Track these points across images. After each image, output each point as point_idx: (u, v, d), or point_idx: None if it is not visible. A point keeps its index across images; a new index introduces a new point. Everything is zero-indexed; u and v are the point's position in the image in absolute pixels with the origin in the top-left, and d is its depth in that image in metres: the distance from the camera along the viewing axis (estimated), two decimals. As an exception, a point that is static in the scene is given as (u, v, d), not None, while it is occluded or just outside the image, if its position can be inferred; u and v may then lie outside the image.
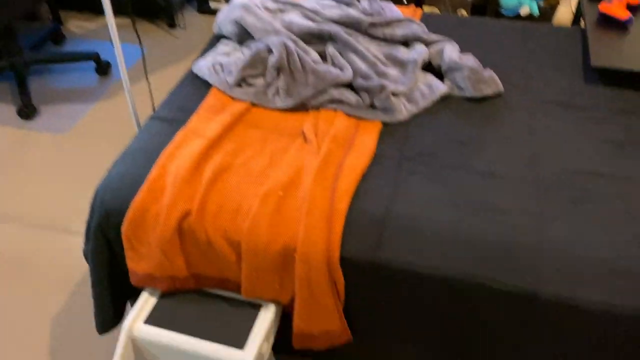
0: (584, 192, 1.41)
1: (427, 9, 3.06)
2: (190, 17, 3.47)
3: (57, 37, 3.20)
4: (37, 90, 2.86)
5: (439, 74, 1.84)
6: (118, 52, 1.86)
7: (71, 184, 2.32)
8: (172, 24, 3.36)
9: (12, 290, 1.91)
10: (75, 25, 3.38)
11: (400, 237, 1.30)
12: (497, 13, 3.04)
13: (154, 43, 3.22)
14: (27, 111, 2.66)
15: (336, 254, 1.29)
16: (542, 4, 2.98)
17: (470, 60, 1.79)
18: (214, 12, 3.48)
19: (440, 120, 1.66)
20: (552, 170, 1.48)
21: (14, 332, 1.78)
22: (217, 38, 2.02)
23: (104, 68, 2.95)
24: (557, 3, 3.02)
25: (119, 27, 3.27)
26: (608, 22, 2.07)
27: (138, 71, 2.99)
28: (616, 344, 1.24)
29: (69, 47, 3.19)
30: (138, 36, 1.94)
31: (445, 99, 1.74)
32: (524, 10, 2.93)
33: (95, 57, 2.91)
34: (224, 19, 1.95)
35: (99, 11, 3.45)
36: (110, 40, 2.71)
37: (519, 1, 2.92)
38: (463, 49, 1.95)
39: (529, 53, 1.98)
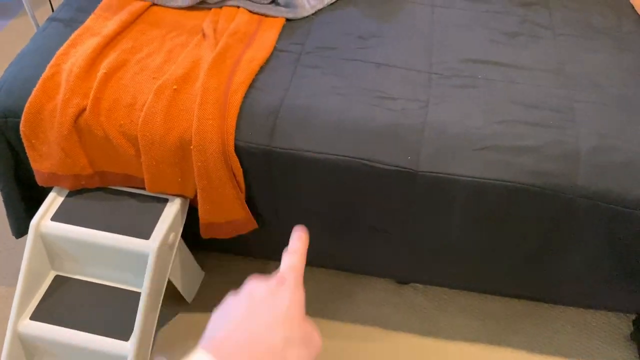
0: (471, 79, 1.47)
1: None
2: None
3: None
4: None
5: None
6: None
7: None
8: None
9: None
10: None
11: (292, 125, 1.35)
12: None
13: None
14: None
15: (231, 143, 1.33)
16: None
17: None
18: None
19: (343, 15, 1.67)
20: (444, 60, 1.53)
21: None
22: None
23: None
24: None
25: None
26: None
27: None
28: (485, 210, 1.34)
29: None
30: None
31: (350, -5, 1.75)
32: None
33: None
34: None
35: None
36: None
37: None
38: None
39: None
